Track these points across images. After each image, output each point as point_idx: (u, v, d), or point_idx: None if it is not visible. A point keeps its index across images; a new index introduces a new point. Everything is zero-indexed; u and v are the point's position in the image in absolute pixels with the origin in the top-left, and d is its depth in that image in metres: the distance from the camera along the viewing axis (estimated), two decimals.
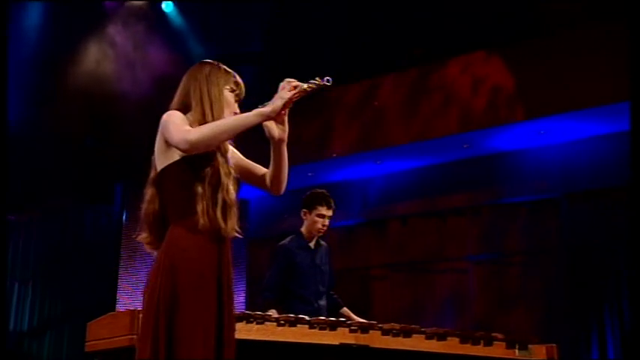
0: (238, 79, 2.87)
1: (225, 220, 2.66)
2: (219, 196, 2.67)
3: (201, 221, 2.61)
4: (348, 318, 4.79)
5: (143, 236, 2.76)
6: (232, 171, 2.78)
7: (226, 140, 2.73)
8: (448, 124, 7.66)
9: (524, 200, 7.89)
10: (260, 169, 2.95)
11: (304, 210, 4.82)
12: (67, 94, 8.01)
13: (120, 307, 7.73)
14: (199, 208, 2.62)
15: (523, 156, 7.89)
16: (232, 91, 2.83)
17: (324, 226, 4.77)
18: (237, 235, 2.75)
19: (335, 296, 4.99)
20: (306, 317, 3.95)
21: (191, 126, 2.68)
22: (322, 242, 4.92)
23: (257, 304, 4.92)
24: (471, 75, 7.67)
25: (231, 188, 2.72)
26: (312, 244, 4.84)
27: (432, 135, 7.74)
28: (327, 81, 2.79)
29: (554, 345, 4.52)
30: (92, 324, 3.62)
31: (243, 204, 8.23)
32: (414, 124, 7.84)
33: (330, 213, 4.80)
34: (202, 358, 2.54)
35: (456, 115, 7.66)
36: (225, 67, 2.88)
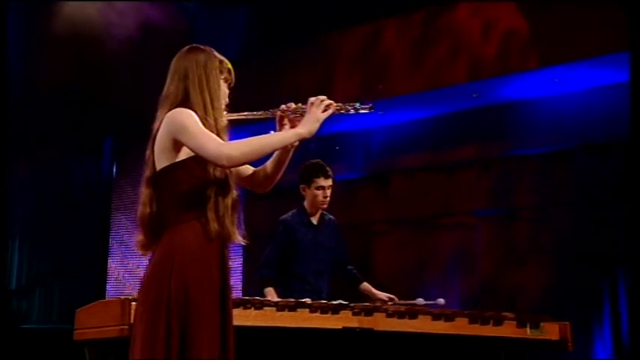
0: (230, 66, 2.87)
1: (233, 225, 2.73)
2: (228, 201, 2.72)
3: (213, 227, 2.65)
4: (369, 294, 4.84)
5: (138, 239, 2.76)
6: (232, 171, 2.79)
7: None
8: (456, 72, 7.46)
9: (536, 152, 7.75)
10: (247, 169, 2.93)
11: (302, 185, 4.75)
12: (53, 42, 7.79)
13: (111, 267, 7.64)
14: (211, 214, 2.66)
15: (535, 106, 7.69)
16: (226, 80, 2.85)
17: (325, 197, 4.70)
18: (240, 240, 2.77)
19: (354, 271, 4.93)
20: (308, 301, 3.96)
21: None
22: (328, 217, 4.82)
23: (254, 281, 4.82)
24: (482, 19, 7.43)
25: (234, 189, 2.78)
26: (314, 220, 4.77)
27: (438, 84, 7.56)
28: (370, 108, 2.76)
29: (567, 323, 4.49)
30: (81, 311, 3.66)
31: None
32: (419, 72, 7.64)
33: (329, 182, 4.74)
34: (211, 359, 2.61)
35: (464, 63, 7.45)
36: (217, 53, 2.87)
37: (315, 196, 4.69)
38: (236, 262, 7.86)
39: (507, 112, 7.80)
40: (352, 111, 2.79)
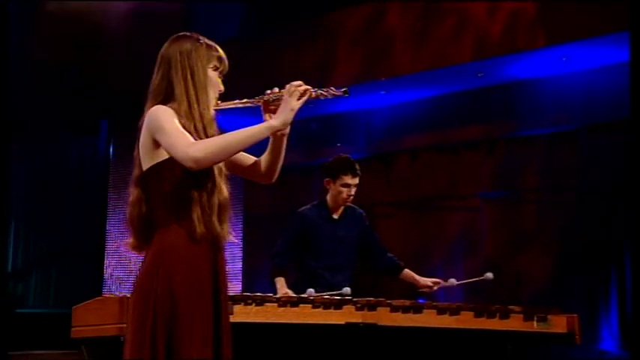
0: (221, 52, 2.79)
1: (221, 225, 2.66)
2: (215, 200, 2.65)
3: (198, 229, 2.59)
4: (412, 280, 4.84)
5: (129, 241, 2.73)
6: (223, 168, 2.73)
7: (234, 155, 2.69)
8: (461, 50, 7.39)
9: (542, 133, 7.70)
10: (248, 158, 2.87)
11: (327, 179, 4.66)
12: (49, 22, 7.71)
13: (109, 250, 7.61)
14: (195, 215, 2.60)
15: (542, 85, 7.64)
16: (216, 68, 2.76)
17: (349, 195, 4.63)
18: (232, 239, 2.72)
19: (395, 258, 4.88)
20: (311, 295, 3.98)
21: (179, 119, 2.62)
22: (358, 211, 4.77)
23: (262, 269, 4.77)
24: None
25: (224, 188, 2.71)
26: (336, 215, 4.69)
27: (443, 63, 7.48)
28: (345, 92, 2.67)
29: (574, 315, 4.46)
30: (78, 308, 3.61)
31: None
32: (423, 50, 7.56)
33: (356, 181, 4.66)
34: None
35: (470, 41, 7.37)
36: (206, 40, 2.78)
37: (340, 192, 4.60)
38: (235, 264, 7.83)
39: (513, 91, 7.74)
40: (329, 96, 2.68)
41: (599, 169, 7.33)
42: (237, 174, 2.86)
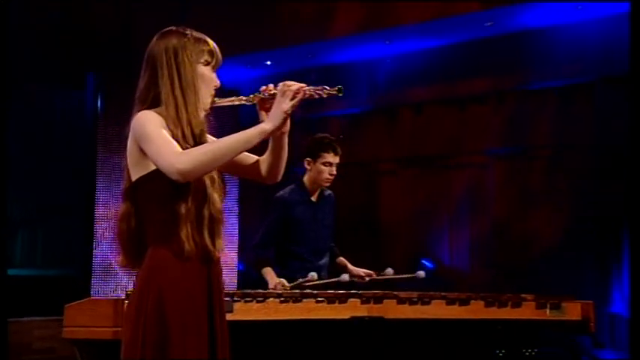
0: (212, 45, 2.70)
1: (212, 240, 2.60)
2: (205, 213, 2.59)
3: (187, 247, 2.54)
4: (345, 268, 4.84)
5: (119, 259, 2.69)
6: (216, 176, 2.67)
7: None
8: None
9: (555, 85, 7.63)
10: (248, 158, 2.83)
11: (308, 159, 4.66)
12: None
13: (99, 210, 7.57)
14: (183, 233, 2.54)
15: (555, 34, 7.55)
16: (207, 63, 2.68)
17: (331, 175, 4.66)
18: (225, 253, 2.69)
19: (334, 247, 4.94)
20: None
21: (167, 125, 2.55)
22: (327, 192, 4.81)
23: (249, 259, 4.78)
24: None
25: (217, 199, 2.64)
26: (314, 197, 4.74)
27: (450, 11, 7.35)
28: (339, 90, 2.61)
29: (589, 302, 4.46)
30: (70, 308, 3.57)
31: (234, 95, 7.98)
32: None
33: (337, 160, 4.68)
34: None
35: None
36: (195, 33, 2.69)
37: (321, 172, 4.62)
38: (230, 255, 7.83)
39: (524, 41, 7.67)
40: (324, 95, 2.63)
41: (615, 123, 7.27)
42: (237, 175, 2.86)
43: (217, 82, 2.69)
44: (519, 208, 7.71)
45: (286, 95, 2.57)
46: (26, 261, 8.21)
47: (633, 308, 5.17)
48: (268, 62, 8.40)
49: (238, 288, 7.66)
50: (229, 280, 7.61)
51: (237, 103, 2.73)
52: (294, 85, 2.59)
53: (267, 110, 2.64)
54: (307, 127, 8.44)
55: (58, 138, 8.24)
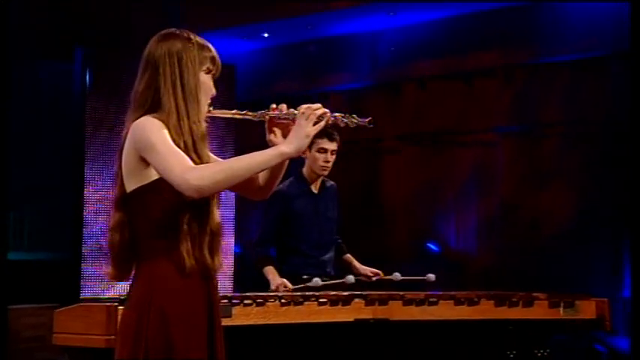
0: (214, 52, 2.69)
1: (212, 256, 2.61)
2: (207, 229, 2.59)
3: (188, 263, 2.54)
4: (352, 268, 4.82)
5: (108, 270, 2.66)
6: None
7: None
8: None
9: (567, 60, 7.53)
10: None
11: None
12: None
13: (88, 191, 7.45)
14: (184, 247, 2.53)
15: (567, 5, 7.44)
16: (209, 71, 2.67)
17: (326, 162, 4.61)
18: (222, 269, 2.71)
19: (340, 241, 4.90)
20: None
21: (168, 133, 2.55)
22: (329, 183, 4.77)
23: (250, 259, 4.73)
24: None
25: (217, 214, 2.65)
26: (314, 188, 4.70)
27: None
28: (369, 122, 2.65)
29: (605, 299, 4.50)
30: (60, 313, 3.61)
31: (229, 69, 7.86)
32: None
33: (333, 146, 4.63)
34: None
35: None
36: (198, 39, 2.67)
37: (316, 159, 4.59)
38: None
39: (535, 12, 7.59)
40: (350, 124, 2.65)
41: (629, 99, 7.17)
42: (228, 189, 2.79)
43: (214, 91, 2.68)
44: (529, 188, 7.63)
45: (310, 118, 2.56)
46: (13, 243, 8.11)
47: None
48: (265, 34, 8.31)
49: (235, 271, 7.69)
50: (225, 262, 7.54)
51: (238, 117, 2.70)
52: (319, 109, 2.58)
53: (276, 129, 2.67)
54: (306, 102, 8.38)
55: (44, 114, 8.10)
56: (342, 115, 2.64)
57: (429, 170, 8.13)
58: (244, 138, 6.73)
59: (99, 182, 7.49)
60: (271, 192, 2.83)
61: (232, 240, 7.70)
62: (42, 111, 8.15)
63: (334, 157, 4.61)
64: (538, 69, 7.69)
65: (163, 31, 2.67)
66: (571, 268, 7.14)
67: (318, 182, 4.70)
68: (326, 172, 4.65)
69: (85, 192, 7.50)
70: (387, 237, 8.01)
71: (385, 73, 8.38)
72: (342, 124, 2.64)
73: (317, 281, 4.29)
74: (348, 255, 4.91)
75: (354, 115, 2.64)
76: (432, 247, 7.84)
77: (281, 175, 2.76)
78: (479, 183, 7.90)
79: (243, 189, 2.81)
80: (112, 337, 3.24)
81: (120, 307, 3.25)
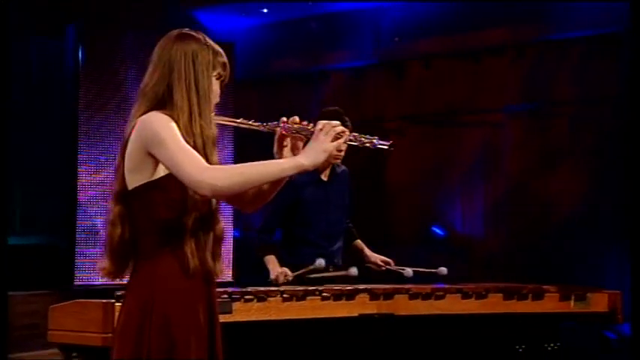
0: (225, 59, 2.73)
1: (214, 261, 2.66)
2: (211, 232, 2.65)
3: (192, 263, 2.57)
4: (361, 254, 4.82)
5: (103, 265, 2.65)
6: None
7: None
8: None
9: (578, 36, 7.46)
10: None
11: None
12: None
13: (81, 173, 7.37)
14: (188, 248, 2.57)
15: None
16: (219, 77, 2.71)
17: (339, 151, 4.42)
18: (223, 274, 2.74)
19: (351, 226, 4.87)
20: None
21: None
22: (340, 169, 4.72)
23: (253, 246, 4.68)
24: None
25: (220, 218, 2.71)
26: (324, 176, 4.65)
27: None
28: (391, 146, 2.69)
29: (617, 292, 4.48)
30: (55, 309, 3.60)
31: (227, 47, 7.76)
32: None
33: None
34: None
35: None
36: (212, 43, 2.71)
37: None
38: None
39: None
40: (369, 145, 2.73)
41: None
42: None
43: (218, 99, 2.72)
44: (538, 170, 7.59)
45: (329, 135, 2.60)
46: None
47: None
48: (265, 10, 8.25)
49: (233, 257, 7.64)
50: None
51: (244, 126, 2.73)
52: (338, 126, 2.62)
53: (285, 147, 2.72)
54: (307, 81, 8.35)
55: (34, 93, 8.01)
56: (364, 136, 2.71)
57: (434, 152, 8.10)
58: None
59: (92, 163, 7.44)
60: (261, 207, 2.85)
61: (231, 225, 7.65)
62: (33, 89, 8.05)
63: (346, 145, 4.52)
64: (548, 46, 7.62)
65: (177, 31, 2.70)
66: (581, 252, 7.10)
67: (329, 169, 4.64)
68: (339, 161, 4.61)
69: (79, 174, 7.44)
70: (391, 221, 7.98)
71: (388, 51, 8.32)
72: (360, 145, 2.70)
73: (321, 262, 4.25)
74: (359, 241, 4.89)
75: (375, 137, 2.71)
76: (438, 231, 7.79)
77: (279, 187, 2.76)
78: (486, 165, 7.87)
79: (235, 199, 2.82)
80: (109, 335, 3.25)
81: (117, 305, 3.24)
